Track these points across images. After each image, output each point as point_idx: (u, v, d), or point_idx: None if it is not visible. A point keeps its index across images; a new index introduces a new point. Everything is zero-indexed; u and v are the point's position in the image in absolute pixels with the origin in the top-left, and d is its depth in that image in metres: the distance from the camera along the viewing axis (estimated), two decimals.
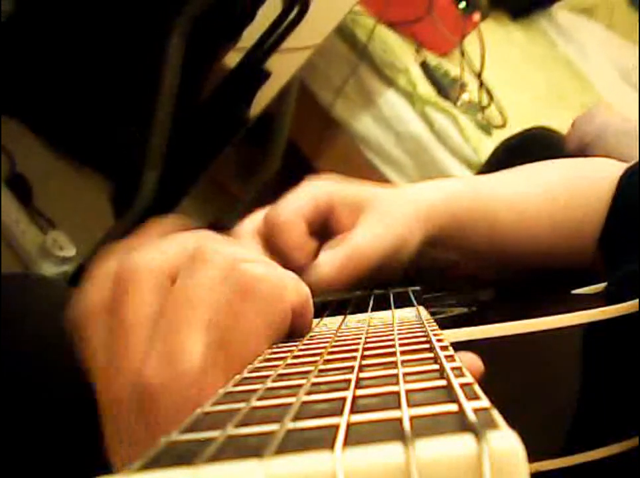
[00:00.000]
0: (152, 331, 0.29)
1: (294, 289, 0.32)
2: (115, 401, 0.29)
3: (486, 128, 1.85)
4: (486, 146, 1.76)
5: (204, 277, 0.30)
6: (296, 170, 1.87)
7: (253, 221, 0.50)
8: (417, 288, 0.51)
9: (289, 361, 0.25)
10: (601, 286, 0.50)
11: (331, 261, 0.47)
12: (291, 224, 0.48)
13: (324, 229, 0.50)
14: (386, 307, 0.43)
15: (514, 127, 1.77)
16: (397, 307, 0.42)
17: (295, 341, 0.32)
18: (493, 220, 0.56)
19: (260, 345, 0.30)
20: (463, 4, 1.92)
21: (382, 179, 1.81)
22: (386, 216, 0.50)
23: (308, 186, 0.50)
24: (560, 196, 0.59)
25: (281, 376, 0.23)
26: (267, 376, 0.23)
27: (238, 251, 0.33)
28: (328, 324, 0.38)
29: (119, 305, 0.30)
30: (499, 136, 1.80)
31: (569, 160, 0.66)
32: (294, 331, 0.33)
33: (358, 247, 0.48)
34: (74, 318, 0.32)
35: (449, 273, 0.58)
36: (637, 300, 0.41)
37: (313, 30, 1.50)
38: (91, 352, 0.31)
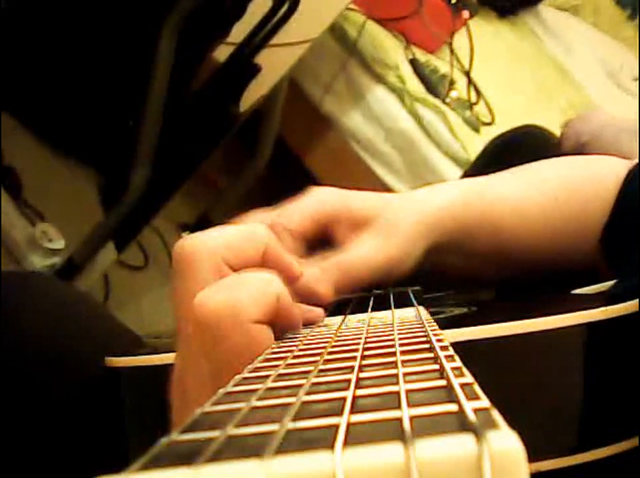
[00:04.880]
0: None
1: (254, 305, 0.32)
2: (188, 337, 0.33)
3: (475, 125, 1.86)
4: (475, 143, 1.76)
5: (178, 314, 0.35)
6: (285, 166, 1.87)
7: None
8: (417, 288, 0.51)
9: (289, 361, 0.25)
10: (601, 286, 0.50)
11: (322, 278, 0.46)
12: (294, 233, 0.47)
13: (322, 238, 0.50)
14: (386, 306, 0.43)
15: (502, 125, 1.77)
16: (397, 307, 0.42)
17: (295, 341, 0.32)
18: (497, 223, 0.55)
19: (240, 364, 0.30)
20: (453, 1, 1.92)
21: (370, 175, 1.81)
22: (387, 231, 0.49)
23: (312, 197, 0.50)
24: (562, 196, 0.58)
25: (281, 376, 0.23)
26: (267, 376, 0.23)
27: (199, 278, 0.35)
28: (328, 324, 0.38)
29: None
30: (487, 133, 1.80)
31: (571, 159, 0.65)
32: (281, 331, 0.34)
33: (349, 266, 0.48)
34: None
35: (450, 274, 0.58)
36: (637, 300, 0.41)
37: (307, 27, 1.50)
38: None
